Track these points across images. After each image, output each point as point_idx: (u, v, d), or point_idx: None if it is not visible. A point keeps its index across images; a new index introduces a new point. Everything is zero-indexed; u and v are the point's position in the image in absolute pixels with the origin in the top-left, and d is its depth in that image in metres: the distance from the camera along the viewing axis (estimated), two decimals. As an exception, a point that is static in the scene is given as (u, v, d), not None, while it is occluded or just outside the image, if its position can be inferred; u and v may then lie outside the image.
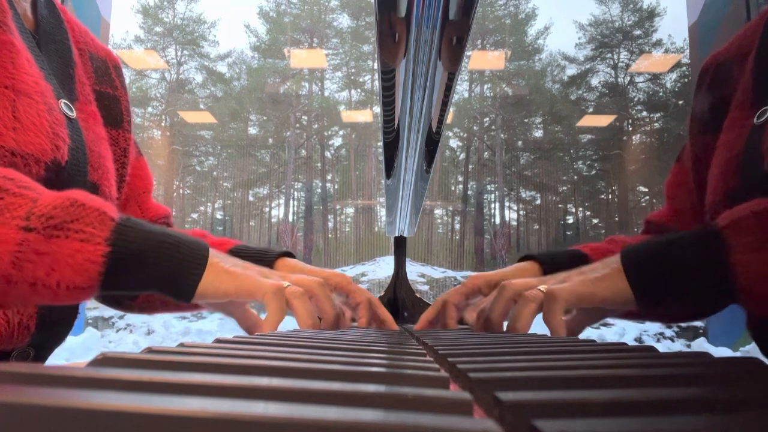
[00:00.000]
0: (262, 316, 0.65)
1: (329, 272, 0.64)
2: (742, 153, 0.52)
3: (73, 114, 0.57)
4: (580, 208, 14.80)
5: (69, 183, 0.53)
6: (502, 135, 14.40)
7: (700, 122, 0.63)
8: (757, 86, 0.54)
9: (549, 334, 0.51)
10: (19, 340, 0.53)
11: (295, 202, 14.80)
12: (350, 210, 15.45)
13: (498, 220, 14.31)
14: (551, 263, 0.64)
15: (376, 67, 0.60)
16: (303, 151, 14.74)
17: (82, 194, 0.43)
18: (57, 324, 0.57)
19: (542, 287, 0.52)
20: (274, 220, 14.72)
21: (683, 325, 6.95)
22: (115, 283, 0.42)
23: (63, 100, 0.55)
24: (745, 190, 0.51)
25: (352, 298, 0.63)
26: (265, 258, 0.64)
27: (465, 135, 15.07)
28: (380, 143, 0.80)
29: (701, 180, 0.61)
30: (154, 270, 0.43)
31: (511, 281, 0.55)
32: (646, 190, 14.06)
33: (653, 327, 7.00)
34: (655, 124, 13.90)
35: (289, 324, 0.58)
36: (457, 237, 14.75)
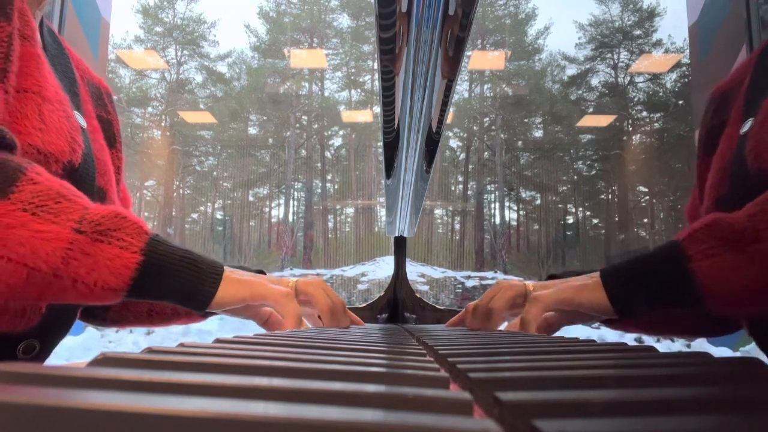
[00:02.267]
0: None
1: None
2: (731, 161, 0.57)
3: (85, 124, 0.62)
4: (580, 208, 14.79)
5: (80, 185, 0.56)
6: (502, 135, 14.40)
7: (705, 145, 0.68)
8: (747, 103, 0.59)
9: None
10: (30, 320, 0.55)
11: (295, 202, 14.80)
12: (350, 210, 15.44)
13: (498, 220, 14.31)
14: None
15: (376, 67, 0.60)
16: (303, 151, 14.74)
17: (123, 209, 0.49)
18: (63, 309, 0.60)
19: (526, 282, 0.62)
20: (274, 220, 14.71)
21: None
22: (142, 289, 0.48)
23: (77, 112, 0.60)
24: (733, 194, 0.55)
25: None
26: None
27: (465, 135, 15.07)
28: (380, 143, 0.80)
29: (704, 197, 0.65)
30: (177, 280, 0.50)
31: (503, 281, 0.65)
32: (646, 190, 14.06)
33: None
34: (655, 124, 13.89)
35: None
36: (457, 237, 14.74)
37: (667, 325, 0.69)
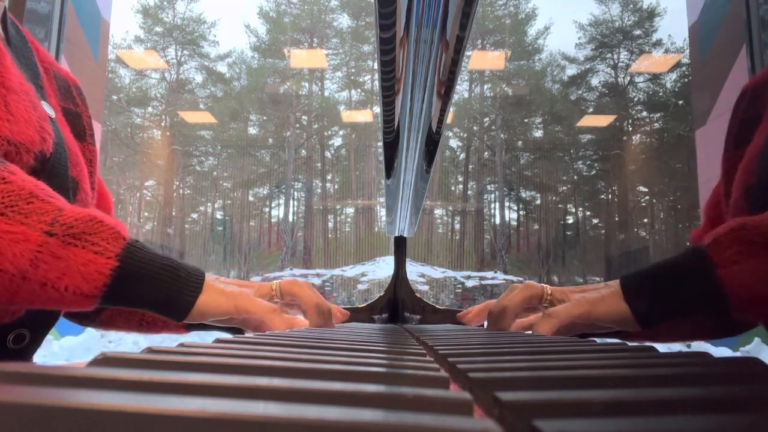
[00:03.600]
0: None
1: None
2: (760, 151, 0.55)
3: (53, 114, 0.60)
4: (580, 208, 14.79)
5: (53, 176, 0.55)
6: (502, 135, 14.40)
7: (736, 137, 0.66)
8: None
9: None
10: (17, 311, 0.55)
11: (295, 202, 14.80)
12: (350, 210, 15.44)
13: (498, 220, 14.31)
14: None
15: (376, 67, 0.60)
16: (303, 151, 14.74)
17: (101, 213, 0.48)
18: None
19: (545, 285, 0.59)
20: (274, 220, 14.72)
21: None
22: (116, 296, 0.46)
23: (43, 102, 0.59)
24: (761, 184, 0.54)
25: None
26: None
27: (465, 135, 15.07)
28: (380, 143, 0.80)
29: (731, 190, 0.64)
30: (154, 288, 0.47)
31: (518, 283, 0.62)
32: (646, 190, 14.07)
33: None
34: (655, 124, 13.89)
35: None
36: (457, 237, 14.75)
37: (677, 332, 0.67)
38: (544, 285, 0.60)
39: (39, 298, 0.44)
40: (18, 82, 0.54)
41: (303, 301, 0.58)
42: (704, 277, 0.46)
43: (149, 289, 0.47)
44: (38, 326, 0.59)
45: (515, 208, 14.67)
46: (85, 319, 0.71)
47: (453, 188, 15.24)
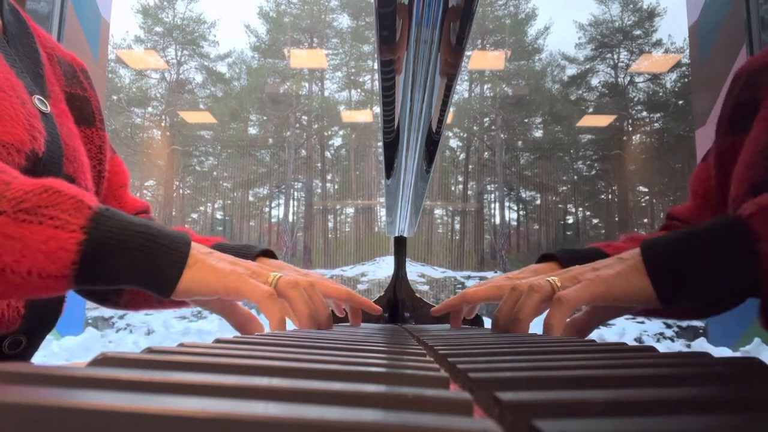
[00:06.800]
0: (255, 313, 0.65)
1: (308, 272, 0.63)
2: (766, 147, 0.52)
3: (47, 109, 0.56)
4: (580, 208, 14.80)
5: (45, 174, 0.53)
6: (502, 135, 14.40)
7: (729, 122, 0.62)
8: None
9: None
10: (11, 323, 0.52)
11: (295, 202, 14.80)
12: (350, 210, 15.44)
13: (498, 220, 14.32)
14: (571, 262, 0.61)
15: (376, 67, 0.60)
16: (303, 151, 14.74)
17: (59, 182, 0.42)
18: (46, 306, 0.57)
19: (551, 278, 0.51)
20: (274, 220, 14.72)
21: (683, 325, 6.94)
22: (90, 275, 0.40)
23: (36, 96, 0.55)
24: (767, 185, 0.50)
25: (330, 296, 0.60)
26: (245, 255, 0.62)
27: (465, 135, 15.07)
28: (380, 143, 0.80)
29: (725, 178, 0.61)
30: (131, 262, 0.41)
31: (521, 281, 0.54)
32: (646, 190, 14.07)
33: (653, 327, 7.00)
34: (655, 124, 13.90)
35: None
36: (457, 237, 14.75)
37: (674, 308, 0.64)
38: (549, 279, 0.51)
39: (1, 286, 0.39)
40: (4, 78, 0.51)
41: (295, 310, 0.51)
42: (738, 250, 0.41)
43: (127, 263, 0.41)
44: (35, 332, 0.57)
45: (515, 208, 14.67)
46: (108, 302, 0.68)
47: (453, 188, 15.24)
